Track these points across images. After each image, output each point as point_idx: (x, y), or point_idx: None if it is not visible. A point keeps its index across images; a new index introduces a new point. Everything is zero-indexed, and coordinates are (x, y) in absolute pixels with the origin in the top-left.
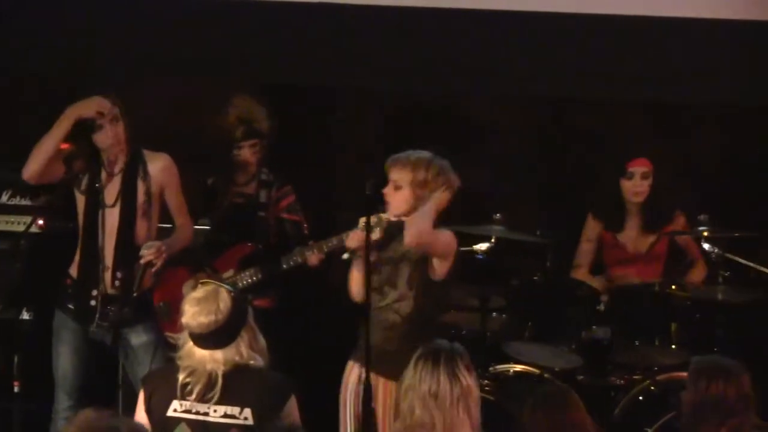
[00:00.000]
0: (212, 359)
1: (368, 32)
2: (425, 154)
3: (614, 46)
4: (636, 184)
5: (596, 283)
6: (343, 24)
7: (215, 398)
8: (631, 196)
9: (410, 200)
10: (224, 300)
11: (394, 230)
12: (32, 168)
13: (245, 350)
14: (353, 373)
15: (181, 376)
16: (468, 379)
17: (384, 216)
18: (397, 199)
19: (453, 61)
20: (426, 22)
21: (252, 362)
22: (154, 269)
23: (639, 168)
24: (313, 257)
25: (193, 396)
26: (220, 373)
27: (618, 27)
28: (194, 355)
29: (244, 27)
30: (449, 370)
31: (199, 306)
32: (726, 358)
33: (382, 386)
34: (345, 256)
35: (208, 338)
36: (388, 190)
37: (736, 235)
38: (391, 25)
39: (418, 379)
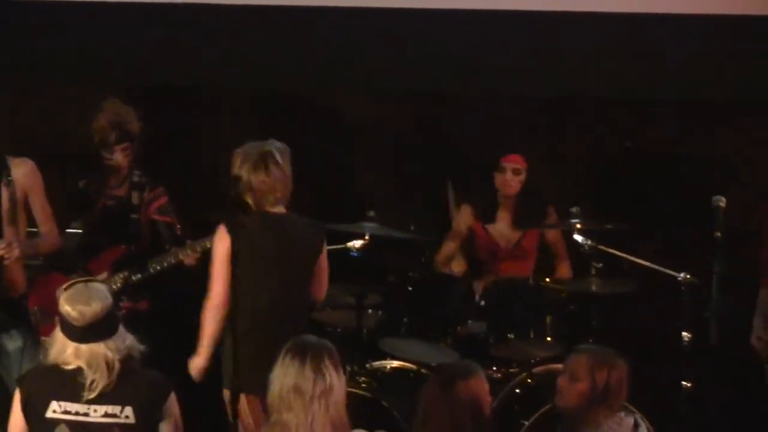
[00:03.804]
0: (107, 349)
1: (235, 30)
2: None
3: (488, 40)
4: (507, 178)
5: (460, 271)
6: (209, 22)
7: (111, 387)
8: (501, 188)
9: None
10: (101, 287)
11: None
12: None
13: (127, 336)
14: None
15: (79, 379)
16: (332, 377)
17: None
18: None
19: (323, 56)
20: (296, 18)
21: (135, 351)
22: (6, 263)
23: (511, 164)
24: (188, 258)
25: (96, 392)
26: (117, 360)
27: (493, 21)
28: (83, 354)
29: (112, 28)
30: (315, 365)
31: (82, 297)
32: (603, 347)
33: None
34: None
35: (102, 325)
36: None
37: (609, 227)
38: (260, 21)
39: (284, 373)
